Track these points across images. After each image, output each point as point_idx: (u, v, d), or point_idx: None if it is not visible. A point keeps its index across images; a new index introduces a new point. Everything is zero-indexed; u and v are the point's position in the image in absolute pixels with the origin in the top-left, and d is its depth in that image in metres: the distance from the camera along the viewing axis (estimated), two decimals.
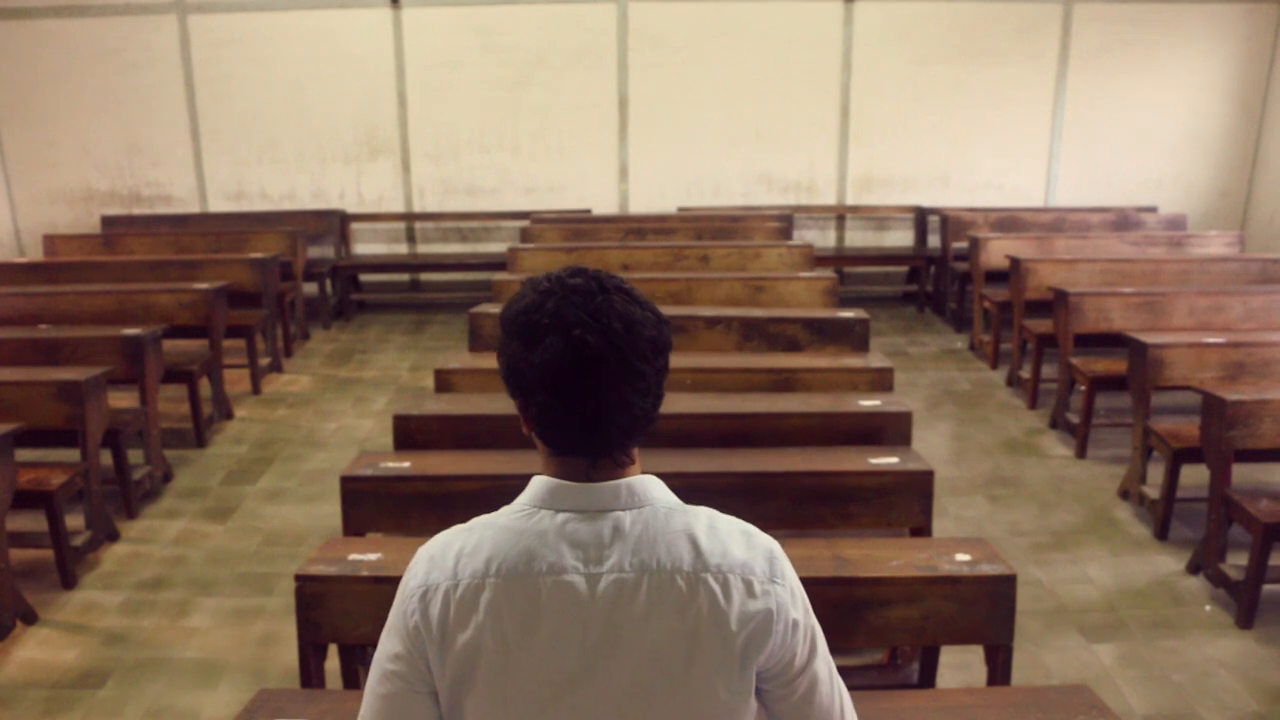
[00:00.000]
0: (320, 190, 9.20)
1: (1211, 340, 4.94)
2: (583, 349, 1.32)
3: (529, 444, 1.45)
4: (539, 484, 1.42)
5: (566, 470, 1.40)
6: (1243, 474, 4.48)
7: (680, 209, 9.06)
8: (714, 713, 1.37)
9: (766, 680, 1.41)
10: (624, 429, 1.37)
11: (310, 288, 8.57)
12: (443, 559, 1.39)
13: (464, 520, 1.45)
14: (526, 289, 1.41)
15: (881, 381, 4.50)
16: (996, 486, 5.20)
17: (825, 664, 1.46)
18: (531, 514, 1.39)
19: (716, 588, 1.35)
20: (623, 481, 1.40)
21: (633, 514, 1.38)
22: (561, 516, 1.37)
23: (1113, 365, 5.51)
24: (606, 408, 1.34)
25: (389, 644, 1.40)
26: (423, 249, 9.43)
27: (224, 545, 4.66)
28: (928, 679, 3.21)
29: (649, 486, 1.42)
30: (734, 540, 1.40)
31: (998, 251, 7.37)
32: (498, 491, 3.34)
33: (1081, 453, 5.55)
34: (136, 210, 9.16)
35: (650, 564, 1.35)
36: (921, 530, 3.46)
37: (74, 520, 4.51)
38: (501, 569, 1.35)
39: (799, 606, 1.41)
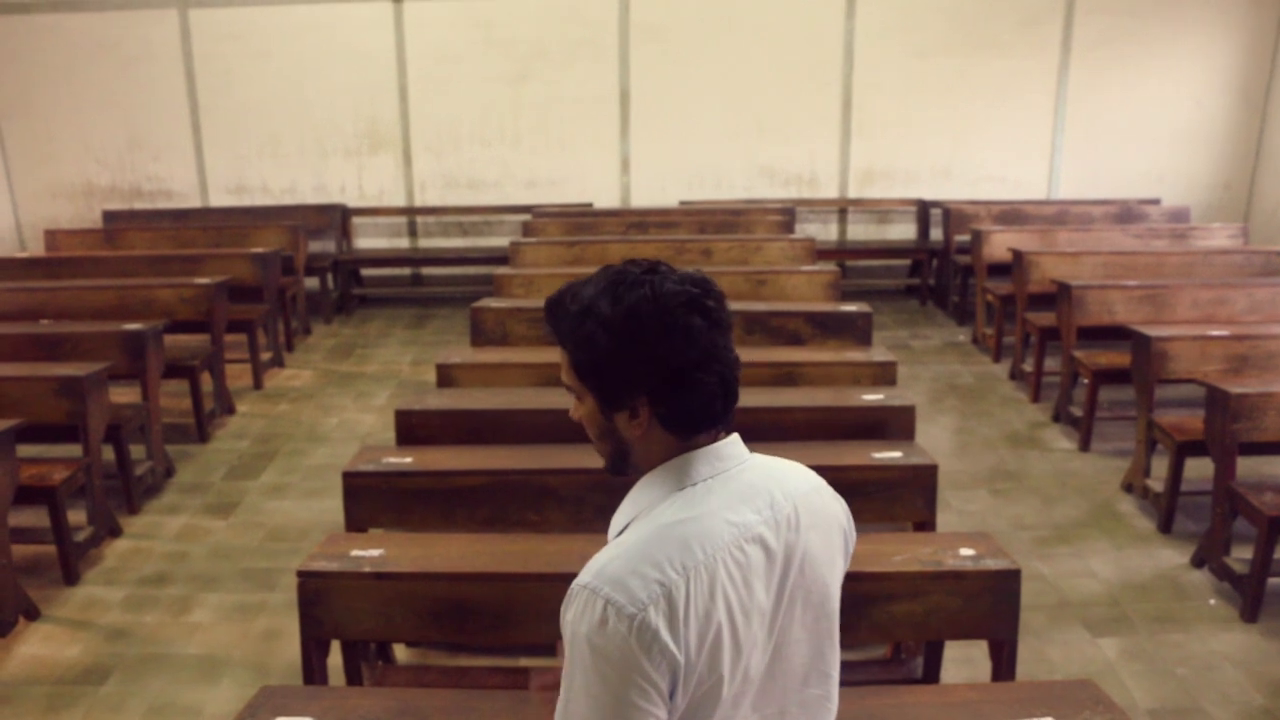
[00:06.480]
0: (321, 184, 9.19)
1: (1215, 333, 4.92)
2: (716, 315, 1.42)
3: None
4: (678, 466, 1.43)
5: (697, 446, 1.45)
6: (1247, 467, 4.46)
7: (682, 202, 9.04)
8: (837, 609, 1.53)
9: None
10: (736, 388, 1.45)
11: (311, 282, 8.57)
12: (642, 575, 1.30)
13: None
14: (627, 287, 1.39)
15: (884, 375, 4.49)
16: (1000, 480, 5.19)
17: None
18: (692, 492, 1.41)
19: (833, 499, 1.54)
20: (734, 435, 1.49)
21: (752, 460, 1.48)
22: (718, 480, 1.42)
23: (1116, 358, 5.49)
24: (736, 366, 1.45)
25: (615, 695, 1.27)
26: (424, 243, 9.41)
27: (226, 541, 4.66)
28: (932, 674, 3.20)
29: None
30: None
31: (1000, 244, 7.36)
32: (500, 486, 3.39)
33: (1085, 446, 5.54)
34: (137, 205, 9.16)
35: (794, 491, 1.46)
36: (925, 524, 3.46)
37: (76, 516, 4.50)
38: (708, 548, 1.34)
39: None
